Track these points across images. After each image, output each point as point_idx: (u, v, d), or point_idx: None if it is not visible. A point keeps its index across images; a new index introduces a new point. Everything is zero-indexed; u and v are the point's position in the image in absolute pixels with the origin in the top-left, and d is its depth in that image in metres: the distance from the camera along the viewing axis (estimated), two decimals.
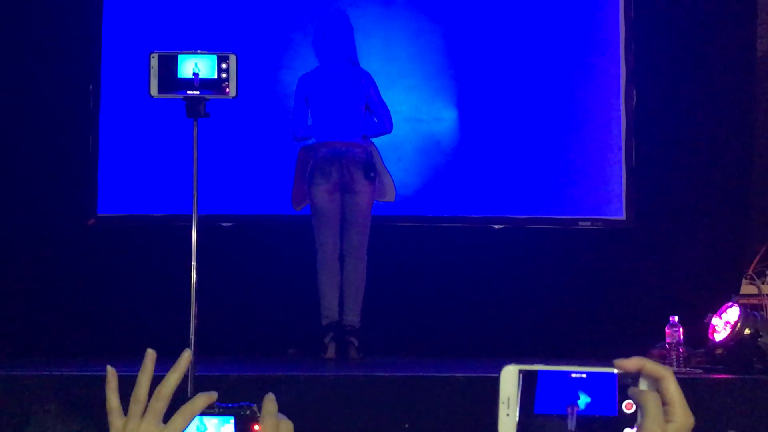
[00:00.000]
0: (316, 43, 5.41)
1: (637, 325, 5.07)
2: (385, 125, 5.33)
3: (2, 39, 5.77)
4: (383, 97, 5.36)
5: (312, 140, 5.24)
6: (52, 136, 5.85)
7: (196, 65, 3.26)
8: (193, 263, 3.42)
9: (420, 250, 5.77)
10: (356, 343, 5.04)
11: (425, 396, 3.76)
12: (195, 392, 3.18)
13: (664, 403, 1.01)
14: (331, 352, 5.01)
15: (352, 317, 5.08)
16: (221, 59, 3.28)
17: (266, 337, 5.45)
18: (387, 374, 3.95)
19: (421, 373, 4.01)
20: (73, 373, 3.84)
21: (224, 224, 5.60)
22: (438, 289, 5.64)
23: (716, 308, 4.56)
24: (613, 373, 1.04)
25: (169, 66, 3.26)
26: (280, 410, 1.20)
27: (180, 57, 3.26)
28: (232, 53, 3.30)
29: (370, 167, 5.12)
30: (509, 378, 1.04)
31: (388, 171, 5.33)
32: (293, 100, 5.36)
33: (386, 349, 5.32)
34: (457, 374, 3.89)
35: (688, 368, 4.26)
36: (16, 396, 3.60)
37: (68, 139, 5.91)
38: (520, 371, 1.04)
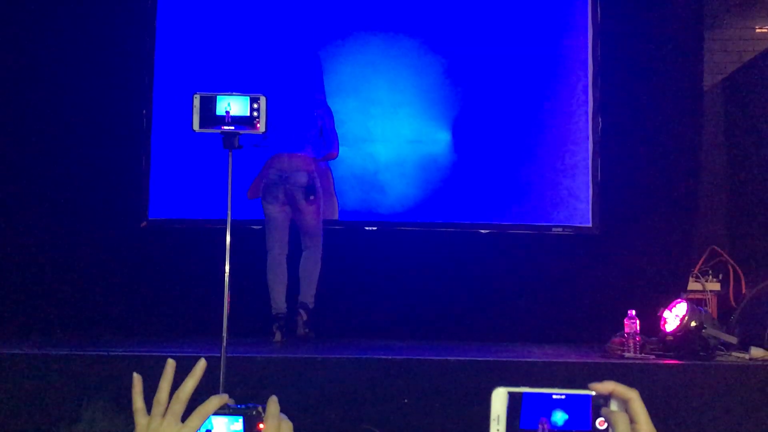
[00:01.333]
0: (283, 76, 5.42)
1: (601, 317, 5.08)
2: (332, 148, 5.29)
3: (75, 73, 5.80)
4: (387, 121, 5.37)
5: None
6: (113, 153, 5.87)
7: (230, 104, 3.24)
8: (227, 259, 3.43)
9: (420, 251, 5.77)
10: (305, 317, 5.01)
11: (425, 376, 3.78)
12: (226, 369, 3.25)
13: (631, 421, 1.05)
14: (278, 336, 4.96)
15: (306, 297, 5.06)
16: (253, 100, 3.26)
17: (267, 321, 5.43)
18: (388, 357, 3.94)
19: (419, 357, 3.99)
20: (124, 354, 3.92)
21: (255, 227, 5.61)
22: (435, 283, 5.63)
23: (667, 303, 4.56)
24: (588, 395, 1.07)
25: (208, 105, 3.23)
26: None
27: (218, 97, 3.24)
28: (263, 95, 3.27)
29: (311, 190, 5.04)
30: (498, 398, 1.07)
31: (335, 194, 5.34)
32: None
33: (394, 333, 5.33)
34: (449, 358, 3.90)
35: (643, 354, 4.26)
36: (70, 392, 3.64)
37: (125, 155, 5.94)
38: (509, 393, 1.07)
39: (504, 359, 3.94)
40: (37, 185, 5.71)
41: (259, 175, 5.30)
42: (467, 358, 3.91)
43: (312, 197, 5.04)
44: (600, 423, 1.07)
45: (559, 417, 1.06)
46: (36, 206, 5.67)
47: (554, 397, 1.06)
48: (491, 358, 3.95)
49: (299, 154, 5.09)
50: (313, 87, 5.33)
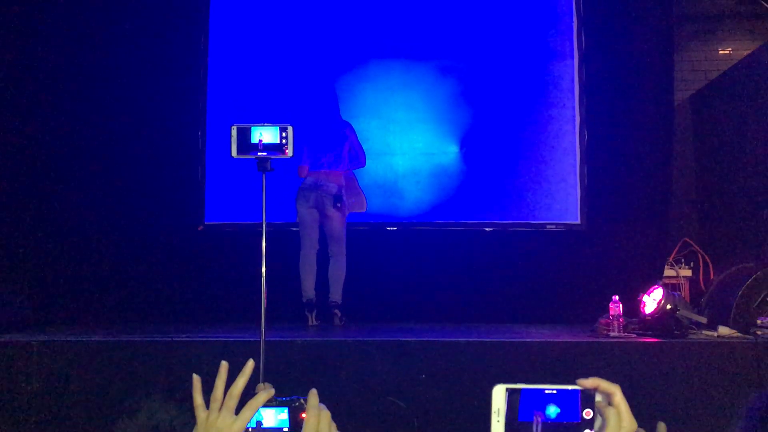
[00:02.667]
0: (314, 105, 5.45)
1: (588, 301, 5.03)
2: (360, 161, 5.37)
3: (149, 103, 5.85)
4: (404, 136, 5.38)
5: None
6: (175, 169, 5.93)
7: (262, 133, 3.23)
8: (263, 258, 3.43)
9: (434, 247, 5.77)
10: (339, 314, 5.03)
11: (438, 355, 3.78)
12: (267, 356, 3.26)
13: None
14: (312, 320, 5.01)
15: (335, 296, 5.07)
16: (282, 129, 3.24)
17: (318, 310, 5.45)
18: (408, 339, 3.92)
19: (434, 338, 3.99)
20: (188, 339, 3.95)
21: (294, 229, 5.63)
22: (447, 273, 5.62)
23: (646, 289, 4.52)
24: (576, 390, 1.07)
25: (244, 134, 3.23)
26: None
27: (252, 128, 3.23)
28: (290, 125, 3.26)
29: (338, 199, 5.07)
30: (498, 394, 1.06)
31: (363, 192, 5.36)
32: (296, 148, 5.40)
33: (412, 317, 5.33)
34: (460, 339, 3.89)
35: (626, 333, 4.23)
36: (132, 386, 3.67)
37: (184, 169, 5.99)
38: (507, 389, 1.06)
39: (507, 340, 3.93)
40: (112, 196, 5.75)
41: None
42: (475, 339, 3.91)
43: (339, 204, 5.06)
44: (587, 413, 1.06)
45: (552, 410, 1.05)
46: (111, 214, 5.71)
47: (546, 392, 1.06)
48: (495, 339, 3.93)
49: (334, 170, 5.14)
50: (336, 111, 5.34)
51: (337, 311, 5.04)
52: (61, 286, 5.47)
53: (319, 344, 3.88)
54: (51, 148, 5.70)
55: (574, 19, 6.03)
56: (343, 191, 5.14)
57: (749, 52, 6.14)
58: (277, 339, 3.74)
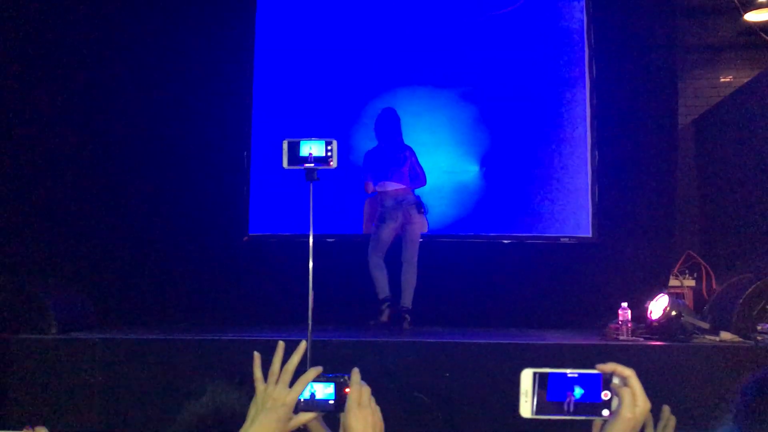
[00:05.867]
0: (376, 129, 5.51)
1: (598, 308, 5.01)
2: (421, 181, 5.40)
3: (199, 121, 5.95)
4: (429, 156, 5.43)
5: (373, 193, 5.31)
6: (222, 183, 6.01)
7: (311, 147, 3.27)
8: (310, 265, 3.48)
9: (456, 257, 5.78)
10: (409, 318, 5.07)
11: (460, 355, 3.80)
12: (312, 351, 3.30)
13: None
14: (385, 316, 5.10)
15: (407, 301, 5.11)
16: (328, 143, 3.26)
17: (355, 313, 5.52)
18: (433, 340, 3.97)
19: (456, 340, 4.01)
20: (237, 338, 4.01)
21: (329, 240, 5.67)
22: (468, 282, 5.62)
23: (652, 296, 4.50)
24: (597, 373, 1.11)
25: (294, 148, 3.26)
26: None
27: (302, 142, 3.26)
28: (334, 139, 3.29)
29: (421, 205, 5.19)
30: (527, 377, 1.11)
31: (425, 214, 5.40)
32: (362, 167, 5.47)
33: (436, 321, 5.34)
34: (480, 341, 3.92)
35: (634, 337, 4.22)
36: (196, 372, 3.73)
37: (231, 186, 6.07)
38: (535, 373, 1.11)
39: (523, 342, 3.94)
40: (167, 209, 5.83)
41: (369, 213, 5.48)
42: (494, 341, 3.93)
43: (422, 210, 5.20)
44: (605, 395, 1.10)
45: (577, 391, 1.09)
46: (166, 225, 5.79)
47: (570, 375, 1.10)
48: (513, 341, 3.95)
49: (401, 186, 5.23)
50: (397, 133, 5.42)
51: (407, 316, 5.08)
52: (121, 289, 5.56)
53: (354, 344, 3.94)
54: (114, 164, 5.82)
55: (586, 49, 6.05)
56: (422, 198, 5.26)
57: (749, 79, 6.10)
58: (318, 339, 3.78)
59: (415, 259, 5.20)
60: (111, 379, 3.77)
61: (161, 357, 3.81)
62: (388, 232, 5.21)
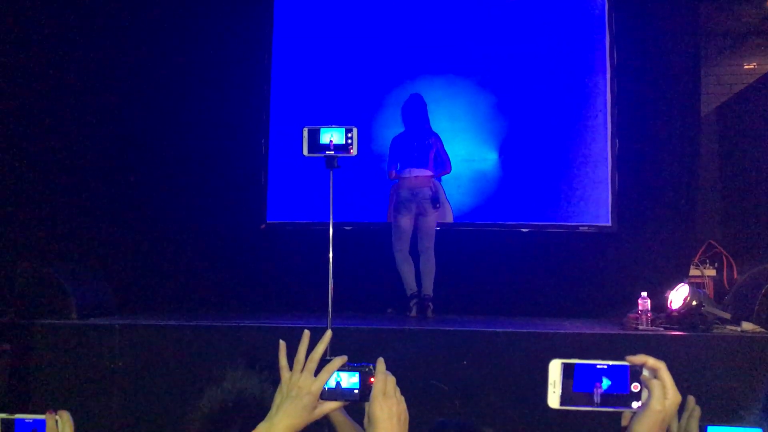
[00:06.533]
0: (403, 115, 5.48)
1: (619, 297, 4.98)
2: (446, 168, 5.38)
3: (218, 111, 5.98)
4: (448, 145, 5.40)
5: (395, 180, 5.30)
6: (240, 171, 6.04)
7: (331, 135, 3.25)
8: (330, 254, 3.48)
9: (474, 246, 5.76)
10: (431, 307, 5.06)
11: (478, 344, 3.79)
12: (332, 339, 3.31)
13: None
14: (413, 312, 5.08)
15: (428, 290, 5.11)
16: (348, 130, 3.25)
17: (373, 300, 5.54)
18: (452, 329, 3.95)
19: (474, 329, 3.99)
20: (256, 324, 4.02)
21: (347, 228, 5.67)
22: (486, 271, 5.61)
23: (673, 286, 4.47)
24: (625, 365, 1.10)
25: (314, 135, 3.25)
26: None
27: (322, 129, 3.25)
28: (355, 126, 3.27)
29: (436, 200, 5.16)
30: (555, 368, 1.10)
31: (448, 201, 5.33)
32: (388, 153, 5.43)
33: (455, 310, 5.35)
34: (498, 330, 3.90)
35: (653, 327, 4.18)
36: (216, 358, 3.75)
37: (249, 173, 6.09)
38: (563, 363, 1.10)
39: (542, 331, 3.92)
40: (186, 197, 5.88)
41: (392, 200, 5.41)
42: (512, 330, 3.90)
43: (438, 205, 5.17)
44: (634, 387, 1.09)
45: (604, 382, 1.08)
46: (185, 213, 5.84)
47: (598, 367, 1.09)
48: (532, 330, 3.92)
49: (421, 175, 5.20)
50: (424, 120, 5.40)
51: (430, 304, 5.08)
52: (140, 276, 5.61)
53: (373, 331, 3.93)
54: (134, 153, 5.88)
55: (607, 35, 5.96)
56: (437, 191, 5.23)
57: None
58: (338, 326, 3.78)
59: (432, 248, 5.19)
60: (131, 364, 3.81)
61: (180, 343, 3.84)
62: (405, 221, 5.20)
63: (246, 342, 3.80)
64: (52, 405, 1.45)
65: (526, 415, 3.44)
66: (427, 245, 5.19)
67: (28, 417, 1.40)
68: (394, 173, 5.30)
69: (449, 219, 5.35)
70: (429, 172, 5.23)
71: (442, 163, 5.36)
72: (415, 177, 5.19)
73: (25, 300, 4.23)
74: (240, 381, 1.46)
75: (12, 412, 1.41)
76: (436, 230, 5.25)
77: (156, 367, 3.79)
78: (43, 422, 1.39)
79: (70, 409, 1.40)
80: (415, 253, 5.23)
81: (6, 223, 5.28)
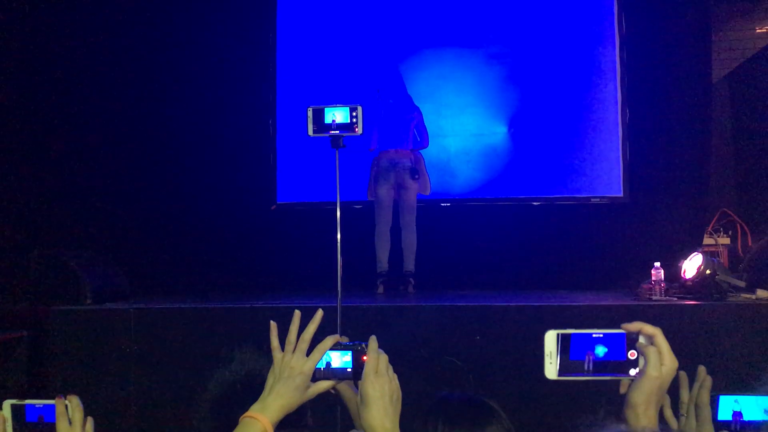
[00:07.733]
0: (382, 90, 5.44)
1: (632, 267, 4.94)
2: (423, 143, 5.34)
3: (224, 93, 5.98)
4: (456, 119, 5.35)
5: (375, 152, 5.27)
6: (249, 152, 6.06)
7: (335, 114, 3.23)
8: (338, 233, 3.47)
9: (485, 221, 5.74)
10: (413, 282, 5.07)
11: (491, 318, 3.78)
12: (341, 317, 3.31)
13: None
14: (381, 289, 5.06)
15: (410, 266, 5.11)
16: (352, 109, 3.22)
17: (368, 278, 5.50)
18: (464, 304, 3.93)
19: (486, 303, 3.96)
20: (265, 305, 4.03)
21: (356, 206, 5.66)
22: (497, 245, 5.59)
23: (686, 255, 4.43)
24: (622, 333, 1.09)
25: (319, 115, 3.22)
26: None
27: (326, 109, 3.22)
28: (359, 105, 3.24)
29: (415, 171, 5.11)
30: (551, 339, 1.09)
31: (427, 174, 5.29)
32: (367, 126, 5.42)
33: (468, 285, 5.32)
34: (510, 304, 3.87)
35: (667, 297, 4.15)
36: (226, 340, 3.76)
37: (258, 154, 6.10)
38: (558, 334, 1.09)
39: (555, 304, 3.89)
40: (197, 181, 5.90)
41: (372, 175, 5.34)
42: (524, 304, 3.88)
43: (417, 176, 5.12)
44: (631, 354, 1.08)
45: (600, 350, 1.07)
46: (196, 196, 5.87)
47: (594, 335, 1.08)
48: (544, 303, 3.90)
49: (401, 149, 5.16)
50: (403, 94, 5.35)
51: (411, 279, 5.08)
52: (152, 260, 5.64)
53: (384, 309, 3.92)
54: (144, 137, 5.90)
55: (615, 3, 5.88)
56: (417, 162, 5.20)
57: None
58: (348, 304, 3.78)
59: (414, 223, 5.16)
60: (146, 347, 3.83)
61: (195, 325, 3.86)
62: (384, 193, 5.15)
63: (256, 323, 3.81)
64: (67, 390, 1.46)
65: (537, 389, 3.44)
66: (408, 220, 5.16)
67: (38, 402, 1.41)
68: (374, 147, 5.26)
69: (427, 192, 5.31)
70: (407, 148, 5.20)
71: (421, 137, 5.33)
72: (395, 151, 5.16)
73: (40, 287, 4.26)
74: (248, 362, 1.46)
75: (32, 398, 1.42)
76: (446, 206, 5.22)
77: (171, 349, 3.81)
78: (52, 407, 1.39)
79: (84, 394, 1.40)
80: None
81: (19, 210, 5.31)
